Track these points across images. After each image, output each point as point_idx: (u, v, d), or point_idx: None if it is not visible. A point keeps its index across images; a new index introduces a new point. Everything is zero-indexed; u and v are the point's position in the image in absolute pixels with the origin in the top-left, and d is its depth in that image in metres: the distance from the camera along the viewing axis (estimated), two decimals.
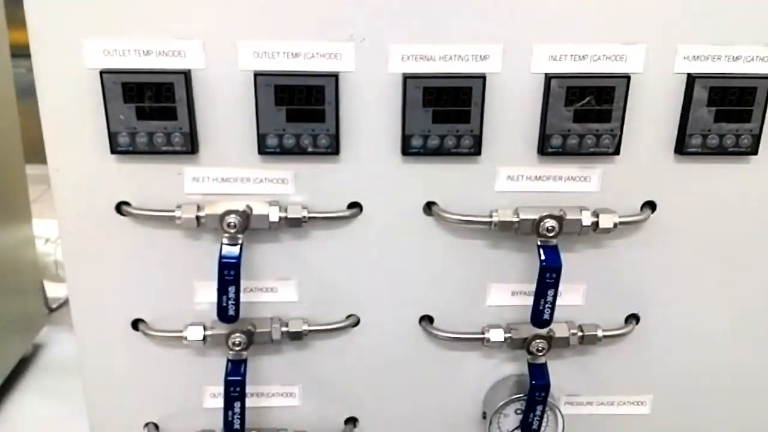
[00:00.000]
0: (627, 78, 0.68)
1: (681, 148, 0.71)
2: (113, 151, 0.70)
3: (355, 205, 0.74)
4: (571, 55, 0.68)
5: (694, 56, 0.68)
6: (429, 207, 0.75)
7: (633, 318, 0.80)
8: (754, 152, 0.71)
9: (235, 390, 0.76)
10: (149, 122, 0.70)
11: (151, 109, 0.69)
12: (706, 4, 0.67)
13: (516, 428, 0.82)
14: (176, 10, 0.66)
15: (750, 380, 0.85)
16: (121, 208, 0.73)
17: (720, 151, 0.70)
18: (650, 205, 0.75)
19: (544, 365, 0.77)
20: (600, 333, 0.78)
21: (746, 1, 0.67)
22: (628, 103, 0.69)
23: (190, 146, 0.71)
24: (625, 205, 0.74)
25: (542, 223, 0.71)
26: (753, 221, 0.76)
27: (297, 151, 0.71)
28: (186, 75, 0.68)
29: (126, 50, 0.67)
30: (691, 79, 0.68)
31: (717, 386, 0.85)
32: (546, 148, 0.71)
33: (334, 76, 0.68)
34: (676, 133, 0.71)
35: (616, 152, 0.71)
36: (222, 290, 0.72)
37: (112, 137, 0.70)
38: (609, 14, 0.67)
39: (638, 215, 0.74)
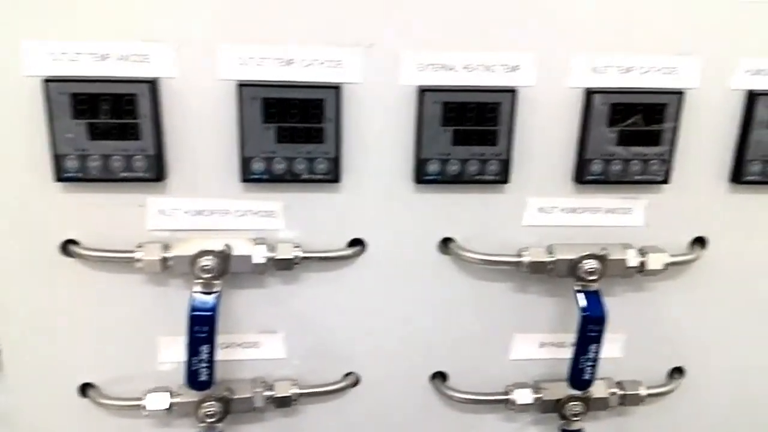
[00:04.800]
0: (680, 94, 0.59)
1: (738, 176, 0.63)
2: (59, 179, 0.59)
3: (357, 243, 0.64)
4: (616, 67, 0.60)
5: (757, 70, 0.60)
6: (445, 244, 0.65)
7: (677, 372, 0.72)
8: None
9: None
10: (105, 143, 0.59)
11: (108, 127, 0.58)
12: None
13: None
14: (142, 5, 0.56)
15: None
16: (68, 248, 0.62)
17: None
18: (700, 242, 0.67)
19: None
20: (643, 391, 0.69)
21: None
22: (680, 123, 0.60)
23: (156, 172, 0.60)
24: (672, 242, 0.66)
25: (581, 265, 0.61)
26: None
27: (289, 179, 0.61)
28: (152, 85, 0.57)
29: (77, 53, 0.57)
30: (752, 96, 0.61)
31: None
32: (584, 176, 0.61)
33: (336, 88, 0.58)
34: (732, 158, 0.63)
35: (665, 180, 0.62)
36: (192, 350, 0.61)
37: (58, 161, 0.59)
38: (660, 21, 0.60)
39: (688, 254, 0.65)
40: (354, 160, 0.61)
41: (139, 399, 0.65)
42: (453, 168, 0.61)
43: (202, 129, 0.60)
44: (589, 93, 0.59)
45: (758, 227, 0.67)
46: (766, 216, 0.66)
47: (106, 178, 0.59)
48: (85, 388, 0.67)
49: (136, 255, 0.61)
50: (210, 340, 0.60)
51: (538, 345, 0.69)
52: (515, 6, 0.58)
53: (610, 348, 0.68)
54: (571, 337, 0.64)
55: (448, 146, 0.60)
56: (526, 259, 0.62)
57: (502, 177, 0.61)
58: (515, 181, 0.62)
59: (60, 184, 0.59)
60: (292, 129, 0.59)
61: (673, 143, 0.61)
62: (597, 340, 0.61)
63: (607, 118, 0.60)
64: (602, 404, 0.67)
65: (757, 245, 0.67)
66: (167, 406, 0.65)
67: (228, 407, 0.65)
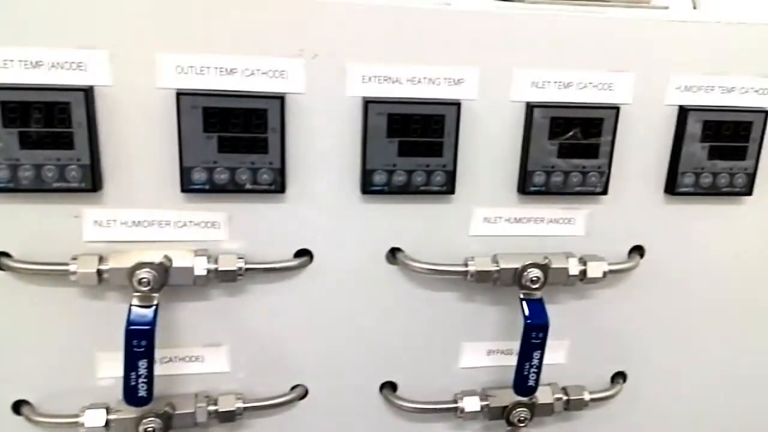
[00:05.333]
0: (616, 109, 0.61)
1: (672, 187, 0.65)
2: None
3: (304, 253, 0.63)
4: (555, 82, 0.61)
5: (688, 86, 0.62)
6: (393, 254, 0.65)
7: (620, 376, 0.73)
8: (749, 193, 0.66)
9: None
10: (37, 152, 0.56)
11: (40, 136, 0.56)
12: (700, 31, 0.62)
13: None
14: (77, 12, 0.54)
15: None
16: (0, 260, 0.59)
17: (713, 191, 0.64)
18: (638, 251, 0.68)
19: None
20: (587, 396, 0.70)
21: (742, 30, 0.62)
22: (616, 137, 0.62)
23: (91, 182, 0.58)
24: (612, 251, 0.67)
25: (525, 273, 0.62)
26: (747, 268, 0.71)
27: (232, 189, 0.59)
28: (87, 93, 0.55)
29: (7, 61, 0.54)
30: (684, 112, 0.62)
31: None
32: (528, 187, 0.62)
33: (280, 99, 0.57)
34: (666, 171, 0.65)
35: (604, 192, 0.63)
36: (130, 365, 0.59)
37: None
38: (596, 39, 0.61)
39: (627, 262, 0.67)
40: (299, 170, 0.60)
41: (76, 416, 0.62)
42: (399, 179, 0.60)
43: (140, 138, 0.58)
44: (531, 107, 0.60)
45: (692, 236, 0.69)
46: (698, 225, 0.68)
47: (39, 188, 0.56)
48: (18, 406, 0.63)
49: (71, 267, 0.58)
50: (148, 354, 0.58)
51: (486, 353, 0.69)
52: (459, 21, 0.58)
53: (554, 355, 0.69)
54: (518, 345, 0.64)
55: (394, 157, 0.60)
56: (472, 268, 0.63)
57: (448, 188, 0.62)
58: (461, 191, 0.62)
59: None
60: (235, 139, 0.57)
61: (610, 156, 0.62)
62: (540, 347, 0.62)
63: (547, 131, 0.60)
64: (548, 410, 0.68)
65: (692, 253, 0.69)
66: (104, 423, 0.62)
67: (169, 423, 0.63)
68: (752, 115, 0.62)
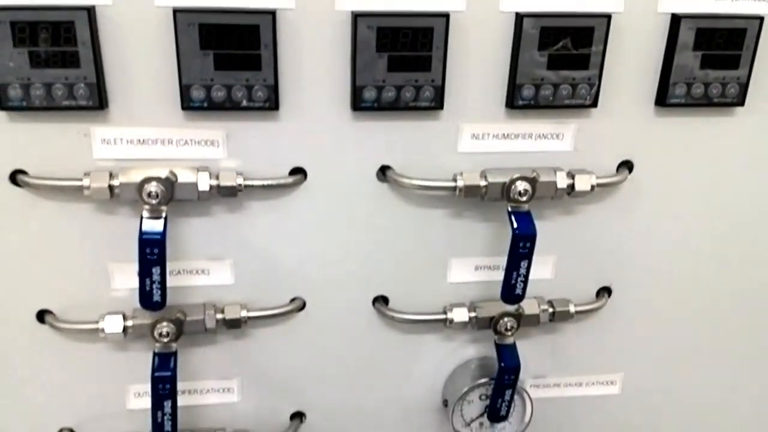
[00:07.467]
0: (607, 17, 0.60)
1: (663, 99, 0.64)
2: (2, 107, 0.59)
3: (298, 171, 0.65)
4: None
5: None
6: (383, 172, 0.66)
7: (605, 291, 0.75)
8: (741, 103, 0.65)
9: (164, 387, 0.66)
10: (46, 71, 0.59)
11: (48, 55, 0.58)
12: None
13: (480, 415, 0.75)
14: None
15: (725, 357, 0.81)
16: (16, 177, 0.62)
17: (705, 102, 0.64)
18: (627, 166, 0.68)
19: (513, 345, 0.71)
20: (572, 309, 0.72)
21: None
22: (607, 47, 0.61)
23: (98, 100, 0.60)
24: (600, 166, 0.68)
25: (513, 187, 0.63)
26: (737, 182, 0.71)
27: (228, 106, 0.61)
28: (89, 12, 0.57)
29: None
30: (677, 19, 0.61)
31: (691, 365, 0.80)
32: (516, 100, 0.63)
33: (271, 14, 0.58)
34: (657, 82, 0.64)
35: (594, 104, 0.64)
36: (144, 272, 0.62)
37: (2, 90, 0.59)
38: None
39: (615, 176, 0.67)
40: (292, 87, 0.62)
41: (96, 323, 0.66)
42: (389, 95, 0.62)
43: (141, 57, 0.60)
44: (520, 17, 0.60)
45: (682, 149, 0.68)
46: (689, 138, 0.68)
47: (50, 106, 0.59)
48: (42, 315, 0.67)
49: (84, 182, 0.61)
50: (161, 261, 0.62)
51: (474, 268, 0.71)
52: None
53: (541, 270, 0.71)
54: (504, 260, 0.65)
55: (383, 73, 0.61)
56: (460, 183, 0.64)
57: (437, 103, 0.62)
58: (449, 107, 0.63)
59: (5, 113, 0.59)
60: (230, 56, 0.59)
61: (601, 67, 0.62)
62: (528, 256, 0.64)
63: (537, 42, 0.60)
64: (534, 320, 0.70)
65: (681, 167, 0.69)
66: (122, 329, 0.66)
67: (181, 329, 0.66)
68: (746, 21, 0.61)
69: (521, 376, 0.71)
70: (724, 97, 0.64)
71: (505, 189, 0.64)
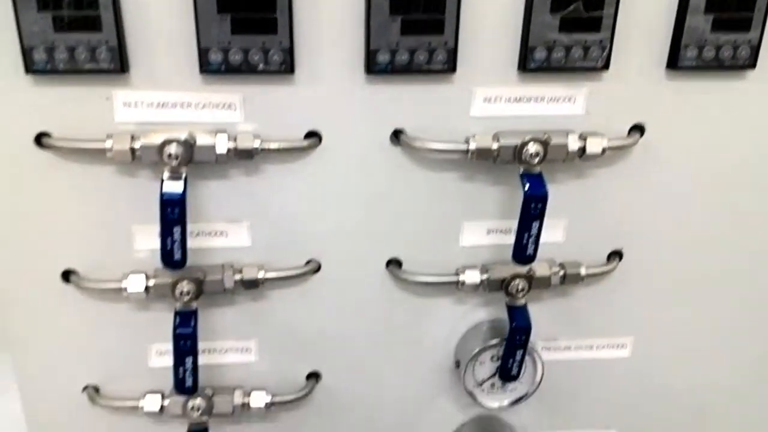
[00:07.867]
0: None
1: (674, 62, 0.65)
2: (28, 70, 0.61)
3: (312, 135, 0.66)
4: None
5: None
6: (396, 136, 0.67)
7: (616, 255, 0.75)
8: (752, 65, 0.65)
9: (185, 344, 0.68)
10: (69, 35, 0.60)
11: (71, 18, 0.60)
12: None
13: (492, 376, 0.77)
14: None
15: (737, 322, 0.81)
16: (41, 139, 0.63)
17: (716, 65, 0.64)
18: (638, 130, 0.69)
19: (524, 307, 0.72)
20: (583, 271, 0.72)
21: None
22: (619, 9, 0.62)
23: (119, 64, 0.61)
24: (612, 129, 0.68)
25: (525, 149, 0.64)
26: (748, 145, 0.71)
27: (245, 69, 0.62)
28: None
29: None
30: None
31: (701, 328, 0.81)
32: (528, 63, 0.63)
33: None
34: (668, 45, 0.65)
35: (606, 67, 0.64)
36: (166, 231, 0.64)
37: (27, 54, 0.60)
38: None
39: (627, 139, 0.68)
40: (307, 51, 0.63)
41: (119, 282, 0.68)
42: (402, 58, 0.62)
43: (160, 21, 0.61)
44: None
45: (694, 112, 0.68)
46: (701, 100, 0.68)
47: (73, 69, 0.60)
48: (67, 275, 0.69)
49: (107, 144, 0.62)
50: (181, 221, 0.63)
51: (486, 232, 0.72)
52: None
53: (552, 233, 0.71)
54: (516, 224, 0.66)
55: (397, 36, 0.61)
56: (473, 146, 0.65)
57: (450, 66, 0.63)
58: (462, 71, 0.64)
59: (30, 76, 0.61)
60: (247, 19, 0.60)
61: (612, 29, 0.62)
62: (539, 218, 0.64)
63: (549, 4, 0.61)
64: (545, 282, 0.71)
65: (693, 130, 0.69)
66: (144, 288, 0.68)
67: (201, 288, 0.68)
68: None
69: (532, 338, 0.73)
70: (736, 60, 0.64)
71: (517, 151, 0.65)
